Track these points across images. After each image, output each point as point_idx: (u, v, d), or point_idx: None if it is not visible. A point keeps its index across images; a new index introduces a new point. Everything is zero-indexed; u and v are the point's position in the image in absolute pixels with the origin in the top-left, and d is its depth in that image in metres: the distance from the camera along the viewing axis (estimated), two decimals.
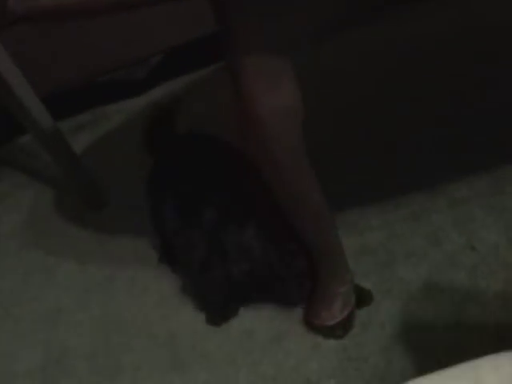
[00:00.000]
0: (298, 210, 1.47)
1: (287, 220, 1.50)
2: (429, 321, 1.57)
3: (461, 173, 1.85)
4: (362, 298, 1.63)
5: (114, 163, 2.38)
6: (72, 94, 2.60)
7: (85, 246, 2.09)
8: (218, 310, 1.74)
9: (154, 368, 1.68)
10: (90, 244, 2.10)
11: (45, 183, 2.39)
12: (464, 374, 1.07)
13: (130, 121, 2.54)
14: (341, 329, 1.59)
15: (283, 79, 1.28)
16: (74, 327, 1.85)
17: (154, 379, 1.66)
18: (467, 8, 2.45)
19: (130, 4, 1.16)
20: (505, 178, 1.81)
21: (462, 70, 2.21)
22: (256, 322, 1.70)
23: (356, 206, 1.84)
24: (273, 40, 1.25)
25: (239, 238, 1.59)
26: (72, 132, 2.48)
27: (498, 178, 1.82)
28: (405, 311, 1.60)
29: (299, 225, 1.50)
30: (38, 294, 1.98)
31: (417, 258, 1.71)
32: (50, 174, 2.35)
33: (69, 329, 1.85)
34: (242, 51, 1.25)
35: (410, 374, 1.44)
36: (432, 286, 1.64)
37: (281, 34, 1.26)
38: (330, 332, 1.59)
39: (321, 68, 2.42)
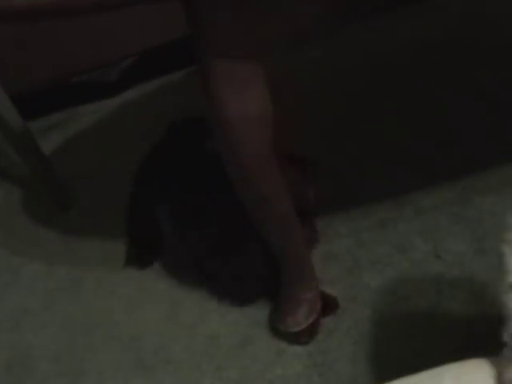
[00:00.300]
0: (264, 216, 1.47)
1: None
2: (393, 328, 1.58)
3: (428, 182, 1.87)
4: (328, 305, 1.63)
5: (84, 164, 2.37)
6: (43, 94, 2.59)
7: (52, 247, 2.08)
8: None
9: (118, 371, 1.68)
10: (57, 245, 2.08)
11: (13, 183, 2.37)
12: (426, 382, 1.08)
13: (102, 122, 2.53)
14: (306, 335, 1.59)
15: (252, 84, 1.28)
16: (39, 328, 1.84)
17: (118, 382, 1.65)
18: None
19: (105, 5, 1.16)
20: (472, 188, 1.83)
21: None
22: (221, 326, 1.70)
23: (323, 212, 1.84)
24: (243, 44, 1.25)
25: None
26: (42, 132, 2.46)
27: (465, 188, 1.83)
28: (370, 318, 1.61)
29: (264, 230, 1.51)
30: (3, 295, 1.97)
31: (383, 265, 1.72)
32: (19, 174, 2.34)
33: (33, 330, 1.84)
34: (212, 55, 1.25)
35: (374, 382, 1.47)
36: (397, 294, 1.65)
37: (252, 38, 1.26)
38: (295, 338, 1.60)
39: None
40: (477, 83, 2.15)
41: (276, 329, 1.63)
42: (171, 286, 1.84)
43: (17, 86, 2.26)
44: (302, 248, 1.56)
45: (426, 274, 1.67)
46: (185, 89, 2.42)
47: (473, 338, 1.50)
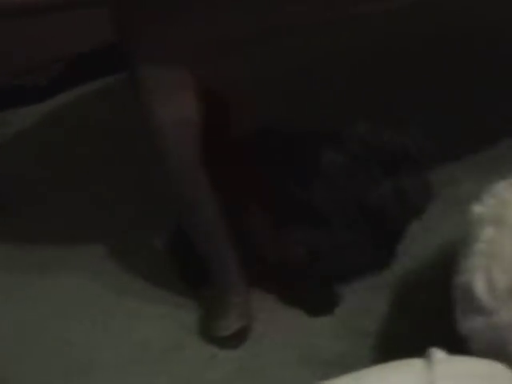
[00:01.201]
0: (193, 219, 1.49)
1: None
2: (322, 330, 1.60)
3: None
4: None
5: (15, 169, 2.34)
6: None
7: None
8: None
9: (49, 378, 1.65)
10: None
11: None
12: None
13: (30, 127, 2.50)
14: (236, 339, 1.60)
15: (182, 91, 1.29)
16: None
17: None
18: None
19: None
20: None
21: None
22: (152, 332, 1.69)
23: None
24: (172, 51, 1.26)
25: None
26: None
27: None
28: (299, 321, 1.63)
29: (193, 234, 1.52)
30: None
31: None
32: None
33: None
34: (141, 61, 1.26)
35: None
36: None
37: (181, 46, 1.27)
38: (226, 342, 1.60)
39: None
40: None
41: (207, 333, 1.64)
42: (103, 291, 1.83)
43: None
44: (231, 252, 1.56)
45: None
46: (117, 94, 2.42)
47: (399, 341, 1.53)
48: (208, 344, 1.63)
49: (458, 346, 1.21)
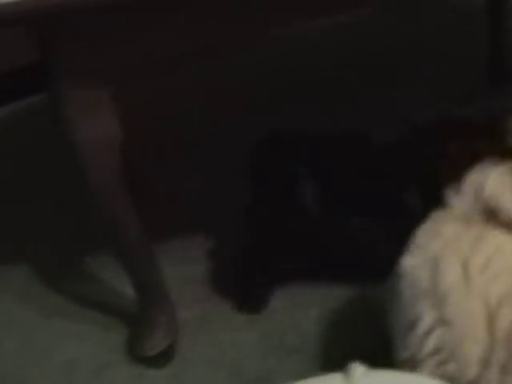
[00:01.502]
0: (116, 239, 1.50)
1: None
2: (250, 347, 1.61)
3: None
4: None
5: None
6: None
7: None
8: None
9: None
10: None
11: None
12: None
13: None
14: (163, 358, 1.60)
15: (102, 110, 1.31)
16: None
17: None
18: None
19: None
20: None
21: None
22: (80, 351, 1.68)
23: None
24: (97, 69, 1.28)
25: None
26: None
27: None
28: (227, 337, 1.64)
29: (118, 252, 1.53)
30: None
31: None
32: None
33: None
34: (64, 78, 1.27)
35: None
36: (254, 316, 1.69)
37: (106, 64, 1.28)
38: (153, 362, 1.60)
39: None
40: None
41: (134, 353, 1.63)
42: (30, 313, 1.81)
43: None
44: (154, 272, 1.56)
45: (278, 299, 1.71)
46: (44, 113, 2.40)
47: (328, 355, 1.55)
48: (135, 363, 1.62)
49: (386, 359, 1.23)
